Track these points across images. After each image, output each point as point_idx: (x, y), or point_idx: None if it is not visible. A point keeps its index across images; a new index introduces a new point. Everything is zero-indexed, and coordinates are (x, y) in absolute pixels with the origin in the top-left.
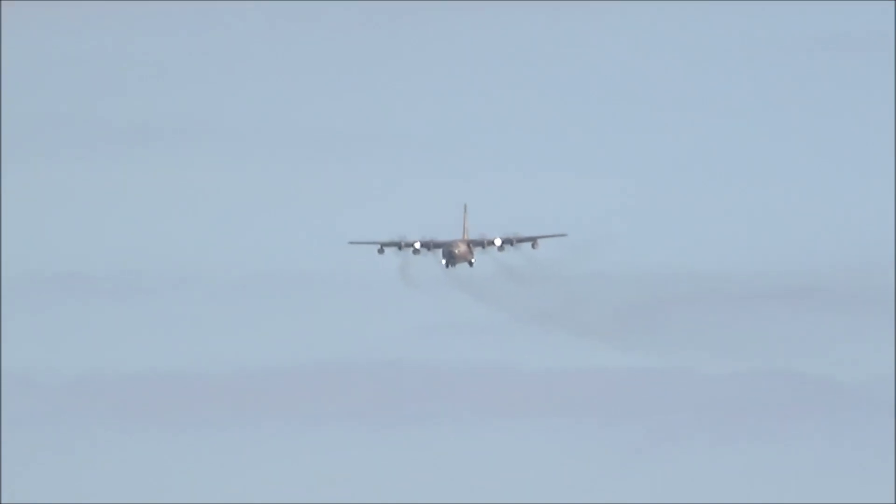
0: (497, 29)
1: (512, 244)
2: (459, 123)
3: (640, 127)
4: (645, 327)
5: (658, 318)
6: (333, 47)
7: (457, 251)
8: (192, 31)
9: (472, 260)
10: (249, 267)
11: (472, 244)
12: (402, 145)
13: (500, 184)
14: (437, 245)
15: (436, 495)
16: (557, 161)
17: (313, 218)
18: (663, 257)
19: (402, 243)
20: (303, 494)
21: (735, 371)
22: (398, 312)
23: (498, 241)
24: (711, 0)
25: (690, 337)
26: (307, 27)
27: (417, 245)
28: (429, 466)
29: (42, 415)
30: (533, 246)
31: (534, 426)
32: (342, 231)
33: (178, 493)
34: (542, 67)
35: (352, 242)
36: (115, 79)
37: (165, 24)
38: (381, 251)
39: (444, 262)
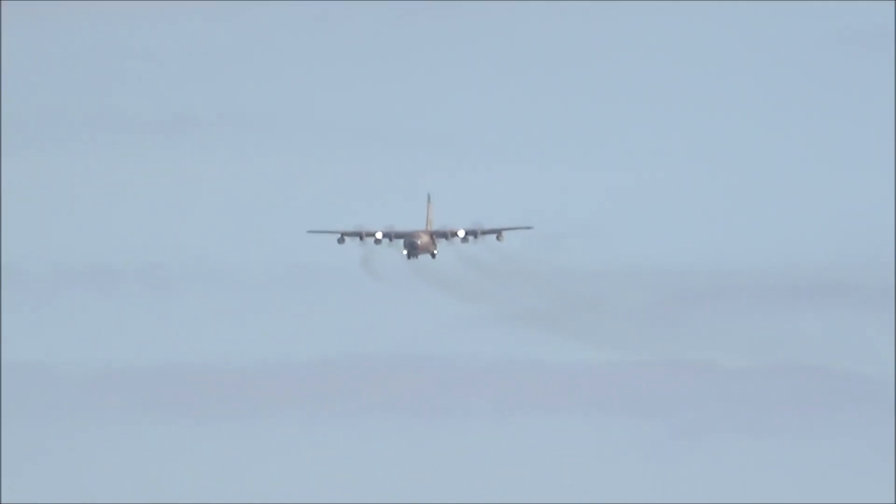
0: (468, 22)
1: (476, 236)
2: (431, 114)
3: (626, 122)
4: (613, 321)
5: (629, 313)
6: (306, 41)
7: (419, 242)
8: (189, 29)
9: (435, 252)
10: (215, 259)
11: (435, 235)
12: (367, 134)
13: (467, 174)
14: (398, 235)
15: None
16: (527, 153)
17: (273, 207)
18: (632, 252)
19: (363, 233)
20: (282, 489)
21: (713, 366)
22: (362, 303)
23: (461, 233)
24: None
25: (650, 330)
26: (280, 21)
27: (379, 235)
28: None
29: (42, 409)
30: (497, 238)
31: (513, 420)
32: (302, 220)
33: (162, 488)
34: (517, 60)
35: (311, 231)
36: (115, 76)
37: (162, 22)
38: (341, 241)
39: (405, 253)
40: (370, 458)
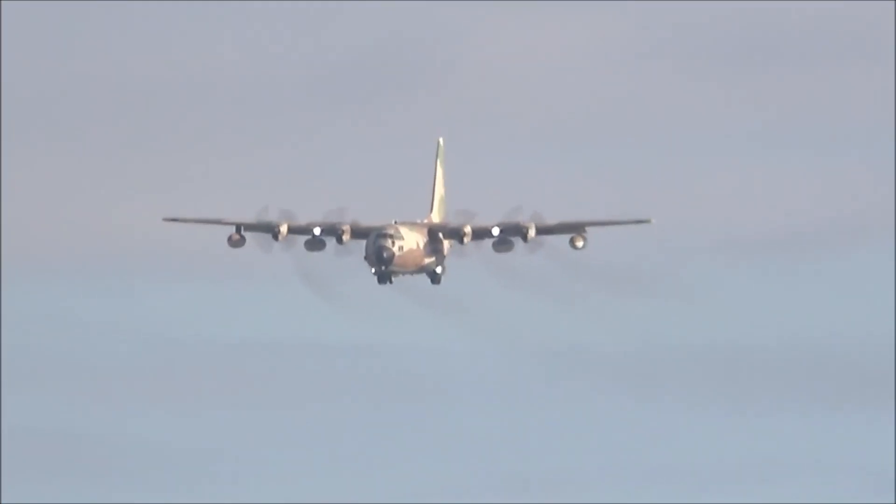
0: None
1: (525, 237)
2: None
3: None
4: None
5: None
6: None
7: (395, 249)
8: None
9: (439, 269)
10: None
11: (439, 233)
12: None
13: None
14: (359, 233)
15: None
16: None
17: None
18: None
19: (279, 227)
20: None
21: None
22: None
23: (496, 231)
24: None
25: None
26: None
27: (317, 231)
28: None
29: None
30: (574, 241)
31: None
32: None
33: None
34: None
35: (168, 219)
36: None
37: None
38: (237, 239)
39: (372, 270)
40: None
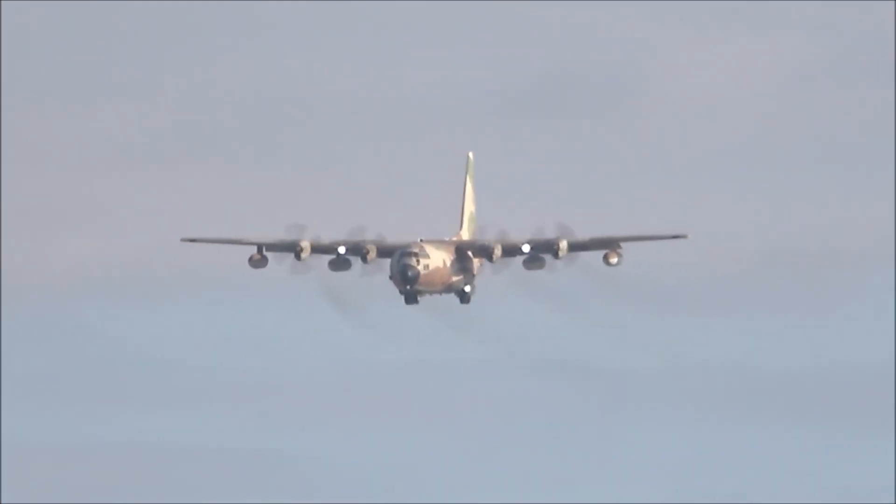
0: None
1: (557, 254)
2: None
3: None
4: None
5: None
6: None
7: (420, 268)
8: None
9: (468, 288)
10: None
11: (468, 251)
12: None
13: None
14: (385, 252)
15: None
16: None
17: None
18: None
19: (301, 247)
20: None
21: None
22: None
23: (526, 248)
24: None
25: None
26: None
27: (342, 250)
28: None
29: None
30: (607, 258)
31: None
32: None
33: None
34: None
35: (185, 240)
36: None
37: None
38: (259, 259)
39: (398, 290)
40: None
